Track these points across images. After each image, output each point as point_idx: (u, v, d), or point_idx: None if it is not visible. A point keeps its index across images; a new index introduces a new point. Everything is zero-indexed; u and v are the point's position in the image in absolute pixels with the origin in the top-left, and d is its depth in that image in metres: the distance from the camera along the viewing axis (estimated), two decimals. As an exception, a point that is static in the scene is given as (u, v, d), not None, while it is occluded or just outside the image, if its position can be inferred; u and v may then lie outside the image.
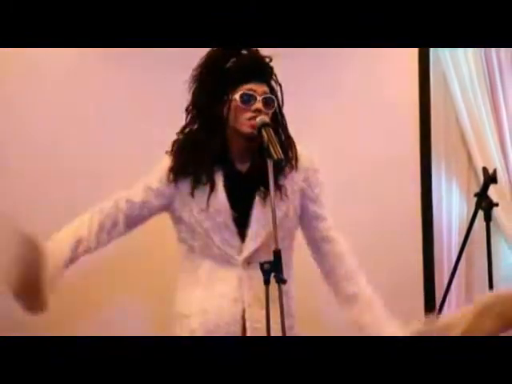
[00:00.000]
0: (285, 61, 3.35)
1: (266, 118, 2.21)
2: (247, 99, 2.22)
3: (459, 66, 3.71)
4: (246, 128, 2.24)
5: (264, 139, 2.14)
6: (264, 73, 2.28)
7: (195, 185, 2.27)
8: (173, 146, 2.34)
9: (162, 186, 2.30)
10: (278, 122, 2.31)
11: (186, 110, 2.34)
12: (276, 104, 2.29)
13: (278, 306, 2.05)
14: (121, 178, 3.29)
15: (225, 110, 2.25)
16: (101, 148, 3.38)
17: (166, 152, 2.34)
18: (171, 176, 2.29)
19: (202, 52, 2.34)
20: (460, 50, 3.70)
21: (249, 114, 2.23)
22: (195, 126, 2.32)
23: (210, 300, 2.28)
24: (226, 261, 2.28)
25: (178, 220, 2.33)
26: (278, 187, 2.27)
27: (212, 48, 2.30)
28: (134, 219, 2.32)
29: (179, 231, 2.35)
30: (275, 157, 2.08)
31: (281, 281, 2.06)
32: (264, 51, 2.33)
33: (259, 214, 2.27)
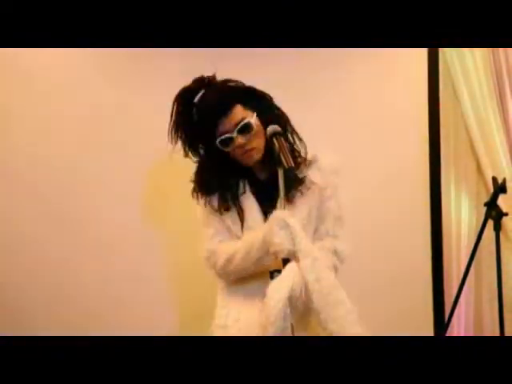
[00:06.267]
0: (290, 63, 3.42)
1: (277, 127, 2.21)
2: (226, 144, 2.27)
3: (468, 73, 3.70)
4: (247, 161, 2.31)
5: (275, 148, 2.15)
6: (227, 104, 2.26)
7: (223, 200, 2.31)
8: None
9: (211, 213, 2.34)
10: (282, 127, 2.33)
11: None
12: (253, 121, 2.28)
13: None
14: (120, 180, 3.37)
15: (216, 162, 2.32)
16: (101, 149, 3.40)
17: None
18: (201, 197, 2.34)
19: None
20: (469, 57, 3.69)
21: (237, 151, 2.28)
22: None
23: (245, 310, 2.29)
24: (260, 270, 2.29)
25: None
26: (299, 183, 2.32)
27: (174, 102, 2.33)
28: None
29: None
30: (286, 165, 2.09)
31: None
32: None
33: None
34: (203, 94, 2.28)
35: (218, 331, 2.31)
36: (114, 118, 3.41)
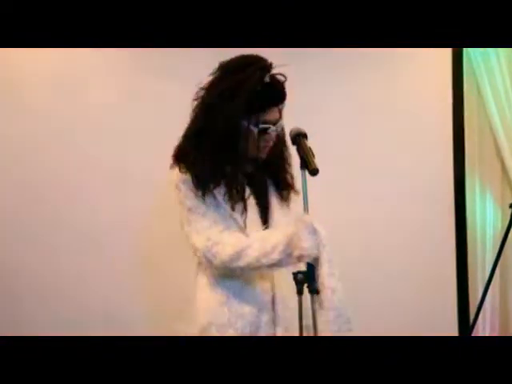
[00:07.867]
0: (309, 63, 3.42)
1: (301, 128, 2.22)
2: (264, 131, 2.27)
3: (492, 74, 3.67)
4: (256, 154, 2.30)
5: (299, 149, 2.17)
6: (282, 99, 2.31)
7: (232, 191, 2.27)
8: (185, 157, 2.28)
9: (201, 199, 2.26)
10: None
11: (198, 109, 2.30)
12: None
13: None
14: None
15: (241, 138, 2.26)
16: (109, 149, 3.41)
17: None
18: (200, 189, 2.24)
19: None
20: (493, 58, 3.66)
21: (262, 143, 2.29)
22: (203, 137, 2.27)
23: (249, 306, 2.28)
24: None
25: None
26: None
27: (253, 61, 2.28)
28: None
29: None
30: (310, 167, 2.09)
31: (314, 291, 2.06)
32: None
33: (277, 217, 2.34)
34: (273, 75, 2.27)
35: (220, 330, 2.24)
36: (114, 118, 3.40)
